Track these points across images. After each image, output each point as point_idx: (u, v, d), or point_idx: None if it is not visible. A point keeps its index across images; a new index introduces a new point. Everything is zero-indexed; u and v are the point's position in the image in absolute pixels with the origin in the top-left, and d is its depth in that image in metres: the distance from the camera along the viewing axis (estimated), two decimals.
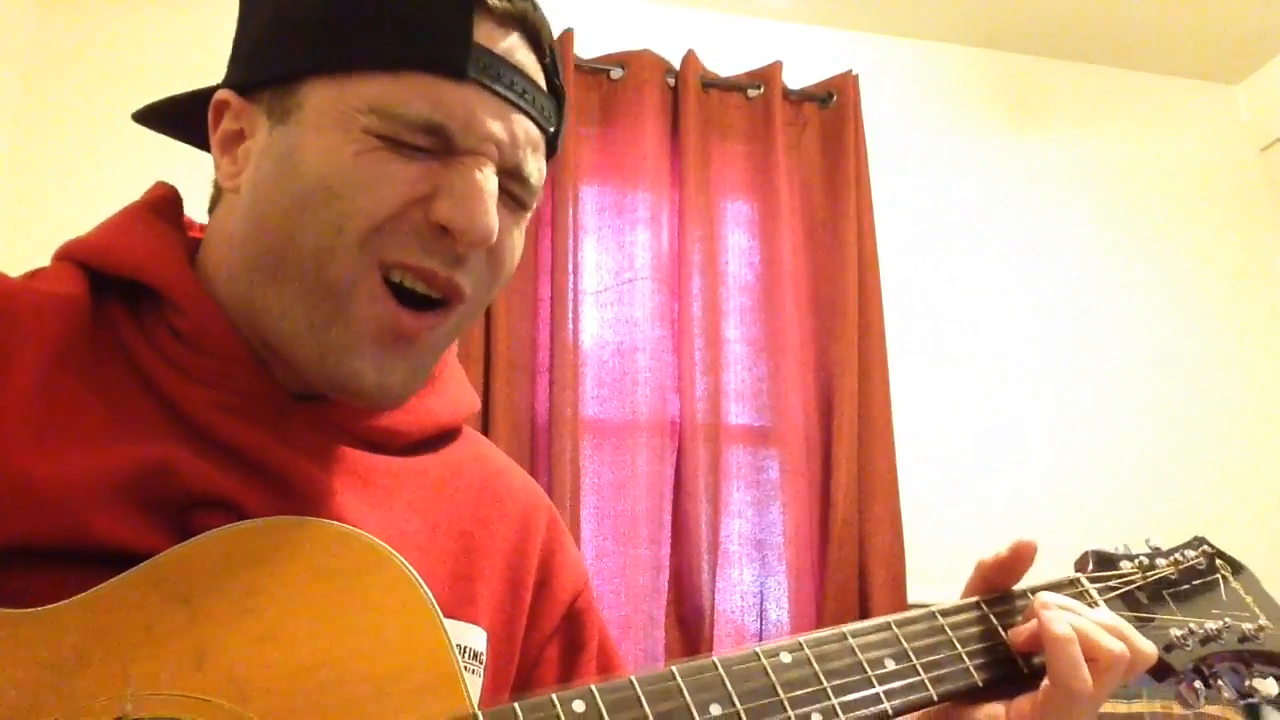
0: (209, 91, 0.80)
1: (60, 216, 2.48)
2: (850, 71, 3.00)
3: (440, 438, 0.87)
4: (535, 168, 0.77)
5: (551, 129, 0.79)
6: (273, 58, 0.75)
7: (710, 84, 2.93)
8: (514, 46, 0.74)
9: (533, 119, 0.76)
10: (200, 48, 2.65)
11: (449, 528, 0.82)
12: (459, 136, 0.71)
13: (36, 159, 2.56)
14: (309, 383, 0.76)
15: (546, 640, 0.89)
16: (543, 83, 0.77)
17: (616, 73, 2.84)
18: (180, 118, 0.85)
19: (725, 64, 2.97)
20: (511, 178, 0.75)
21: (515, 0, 0.74)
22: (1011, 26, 3.20)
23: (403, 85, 0.70)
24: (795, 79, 2.98)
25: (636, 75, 2.84)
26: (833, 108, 2.98)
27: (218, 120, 0.78)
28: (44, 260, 0.79)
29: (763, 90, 2.94)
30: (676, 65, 2.90)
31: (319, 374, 0.73)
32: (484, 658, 0.79)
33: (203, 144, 0.84)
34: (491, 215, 0.71)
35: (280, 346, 0.74)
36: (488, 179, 0.72)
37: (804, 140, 2.98)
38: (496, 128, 0.73)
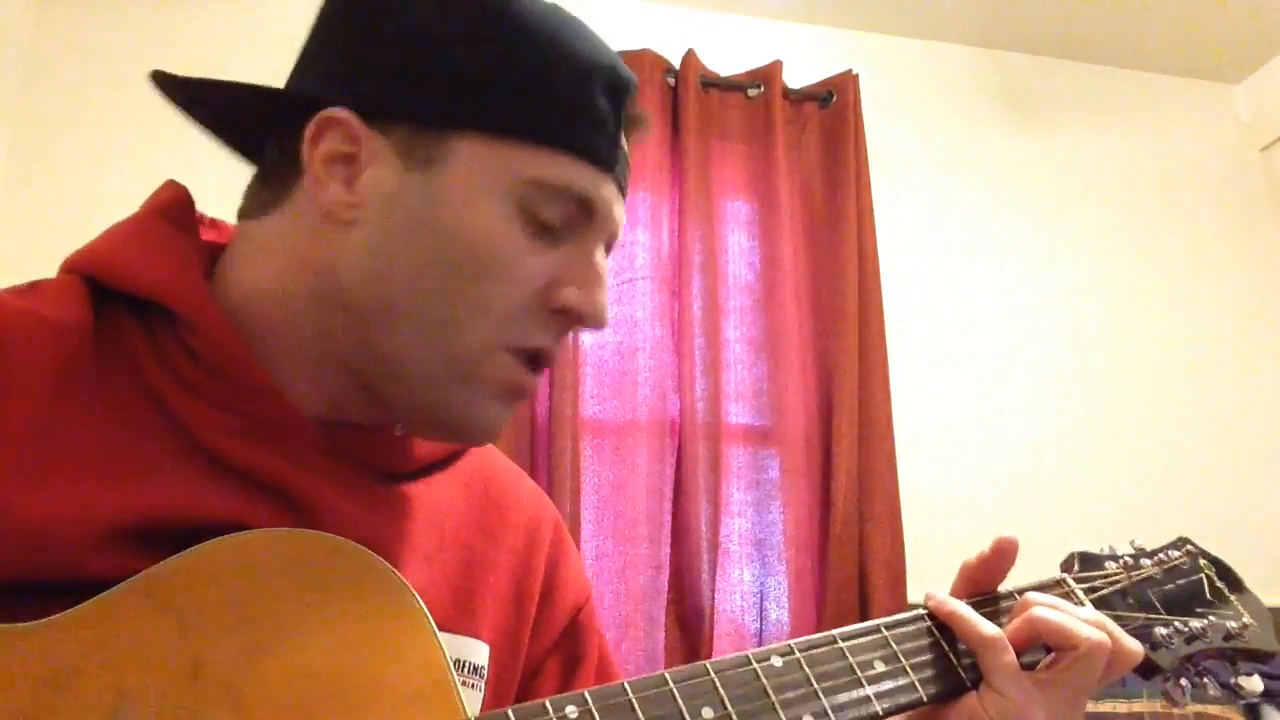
0: (271, 92, 0.77)
1: (60, 217, 2.49)
2: (850, 71, 3.00)
3: (450, 456, 0.87)
4: None
5: None
6: (420, 96, 0.72)
7: (710, 83, 2.92)
8: (626, 145, 0.81)
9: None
10: (202, 47, 2.66)
11: (454, 541, 0.82)
12: (596, 220, 0.76)
13: (36, 159, 2.57)
14: (404, 419, 0.78)
15: (547, 652, 0.89)
16: None
17: None
18: (212, 103, 0.80)
19: (725, 63, 2.97)
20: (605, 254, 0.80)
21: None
22: (1011, 26, 3.20)
23: (563, 164, 0.73)
24: (795, 79, 2.98)
25: (636, 75, 2.83)
26: (833, 108, 2.98)
27: (320, 136, 0.73)
28: (43, 262, 0.78)
29: (763, 90, 2.94)
30: (676, 65, 2.90)
31: (432, 420, 0.76)
32: (485, 671, 0.79)
33: (220, 130, 0.82)
34: (608, 301, 0.77)
35: (382, 384, 0.75)
36: (605, 265, 0.77)
37: (804, 140, 2.97)
38: (619, 217, 0.79)
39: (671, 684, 0.67)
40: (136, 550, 0.63)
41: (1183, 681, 0.81)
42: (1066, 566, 0.86)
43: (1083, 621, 0.75)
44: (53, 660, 0.57)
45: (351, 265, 0.73)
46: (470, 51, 0.72)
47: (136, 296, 0.73)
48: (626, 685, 0.66)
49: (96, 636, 0.59)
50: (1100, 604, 0.82)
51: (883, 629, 0.76)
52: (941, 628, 0.77)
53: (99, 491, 0.64)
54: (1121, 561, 0.86)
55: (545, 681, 0.88)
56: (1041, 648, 0.76)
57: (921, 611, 0.78)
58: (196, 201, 0.82)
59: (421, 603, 0.65)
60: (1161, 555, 0.88)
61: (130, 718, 0.57)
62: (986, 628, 0.75)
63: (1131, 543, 0.88)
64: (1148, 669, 0.80)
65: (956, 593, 0.82)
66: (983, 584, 0.82)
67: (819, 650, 0.73)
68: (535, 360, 0.76)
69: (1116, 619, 0.79)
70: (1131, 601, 0.83)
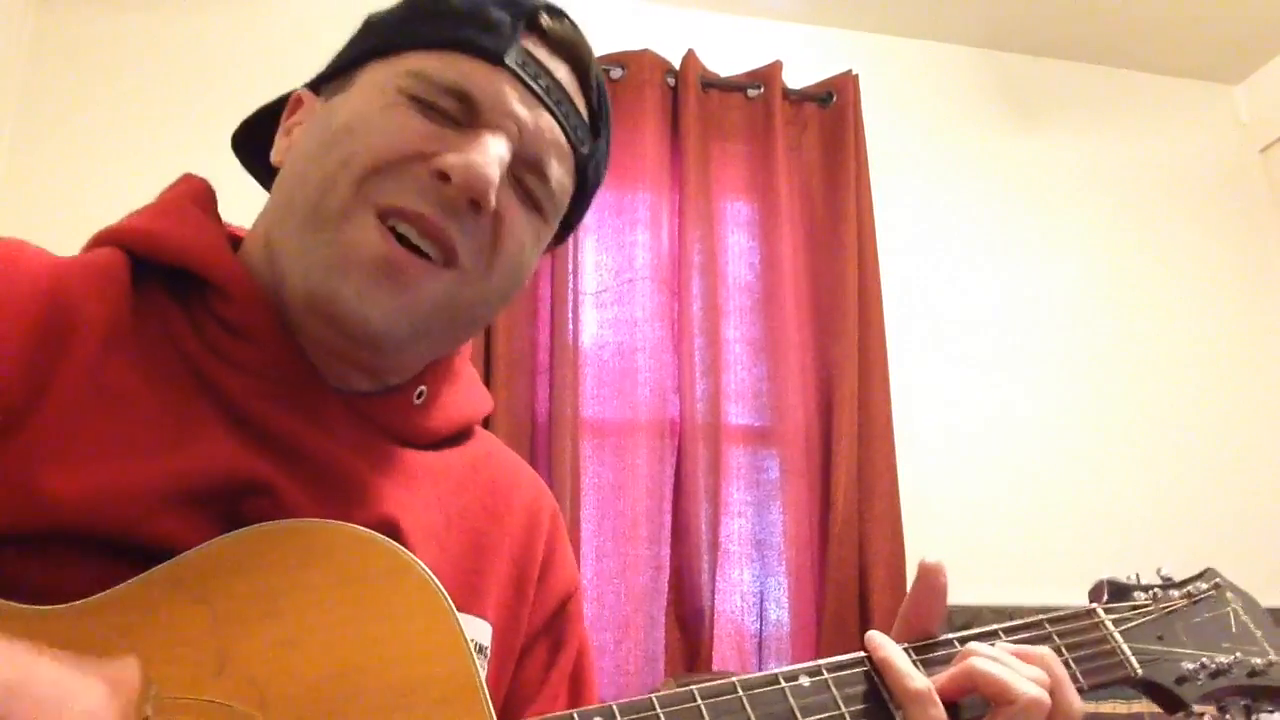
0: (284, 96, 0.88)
1: (60, 215, 2.46)
2: (850, 71, 3.00)
3: (460, 434, 0.90)
4: (558, 172, 0.81)
5: (584, 149, 0.83)
6: (342, 54, 0.84)
7: (710, 84, 2.92)
8: (557, 66, 0.81)
9: (561, 126, 0.80)
10: (202, 47, 2.64)
11: (462, 522, 0.84)
12: (484, 108, 0.76)
13: (36, 159, 2.55)
14: (303, 323, 0.76)
15: (538, 633, 0.90)
16: (583, 109, 0.83)
17: (616, 73, 2.83)
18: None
19: (725, 64, 2.96)
20: (530, 170, 0.79)
21: (566, 26, 0.81)
22: (1011, 26, 3.20)
23: (442, 58, 0.77)
24: (795, 79, 2.98)
25: (636, 75, 2.83)
26: (833, 108, 2.97)
27: (289, 114, 0.86)
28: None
29: (763, 90, 2.94)
30: (676, 65, 2.90)
31: (302, 293, 0.74)
32: (488, 651, 0.81)
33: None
34: (493, 169, 0.73)
35: (281, 279, 0.76)
36: (499, 144, 0.75)
37: (804, 140, 2.97)
38: (520, 110, 0.77)
39: (700, 700, 0.67)
40: (189, 511, 0.65)
41: (1206, 717, 0.81)
42: (1096, 595, 0.86)
43: (1023, 676, 0.71)
44: (81, 644, 0.57)
45: (275, 194, 0.81)
46: (387, 11, 0.83)
47: (171, 265, 0.75)
48: (654, 699, 0.66)
49: (126, 622, 0.59)
50: (1128, 634, 0.82)
51: (824, 670, 0.73)
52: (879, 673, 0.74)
53: (154, 452, 0.66)
54: (1150, 592, 0.86)
55: (533, 661, 0.89)
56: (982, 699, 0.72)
57: (862, 655, 0.75)
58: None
59: (450, 601, 0.65)
60: (1190, 587, 0.88)
61: (156, 707, 0.56)
62: (913, 681, 0.71)
63: (1158, 571, 0.88)
64: (1172, 703, 0.80)
65: (897, 635, 0.78)
66: (922, 619, 0.78)
67: (847, 673, 0.72)
68: (412, 223, 0.73)
69: (1143, 650, 0.79)
70: (1159, 633, 0.83)
